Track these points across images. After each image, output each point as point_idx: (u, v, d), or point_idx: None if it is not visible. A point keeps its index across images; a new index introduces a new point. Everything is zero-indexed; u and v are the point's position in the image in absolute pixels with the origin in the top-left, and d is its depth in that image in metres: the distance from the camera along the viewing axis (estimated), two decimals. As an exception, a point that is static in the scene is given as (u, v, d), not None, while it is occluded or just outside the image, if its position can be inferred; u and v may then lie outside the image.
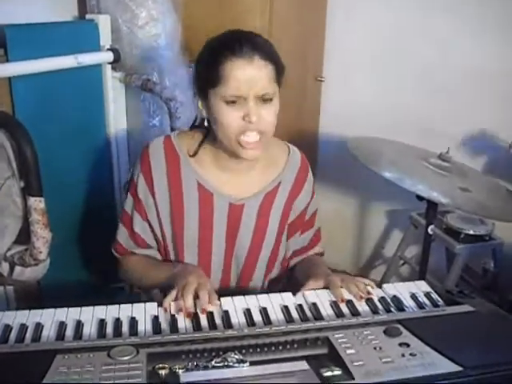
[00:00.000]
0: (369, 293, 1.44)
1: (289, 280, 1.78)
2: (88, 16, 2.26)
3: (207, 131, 1.58)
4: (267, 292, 1.58)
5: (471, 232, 2.64)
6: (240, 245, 1.63)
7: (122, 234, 1.67)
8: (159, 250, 1.67)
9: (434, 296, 1.46)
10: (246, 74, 1.39)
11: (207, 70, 1.43)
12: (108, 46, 2.24)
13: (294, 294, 1.44)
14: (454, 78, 2.91)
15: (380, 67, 3.13)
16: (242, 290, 1.63)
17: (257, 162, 1.59)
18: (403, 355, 1.14)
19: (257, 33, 1.49)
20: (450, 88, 2.93)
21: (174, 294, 1.37)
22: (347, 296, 1.43)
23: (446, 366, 1.11)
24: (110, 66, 2.28)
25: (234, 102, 1.41)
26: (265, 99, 1.42)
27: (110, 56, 2.23)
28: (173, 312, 1.32)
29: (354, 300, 1.42)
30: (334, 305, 1.40)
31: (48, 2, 2.22)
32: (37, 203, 1.70)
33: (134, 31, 2.26)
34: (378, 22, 3.07)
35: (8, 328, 1.25)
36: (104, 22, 2.22)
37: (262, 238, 1.65)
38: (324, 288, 1.48)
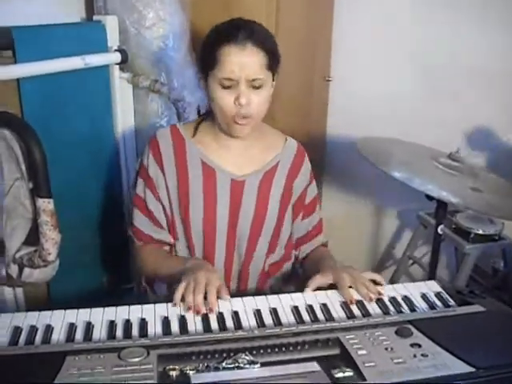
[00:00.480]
0: (379, 293, 1.44)
1: (303, 272, 1.82)
2: (95, 17, 2.25)
3: (207, 115, 1.72)
4: (267, 276, 1.74)
5: (481, 232, 2.63)
6: (242, 221, 1.70)
7: (137, 218, 1.72)
8: (170, 232, 1.72)
9: (445, 296, 1.45)
10: (238, 59, 1.50)
11: (207, 53, 1.56)
12: (115, 47, 2.24)
13: (302, 291, 1.46)
14: (461, 77, 2.90)
15: (388, 67, 3.11)
16: (244, 272, 1.72)
17: (255, 141, 1.71)
18: (415, 356, 1.13)
19: (259, 23, 1.60)
20: (458, 87, 2.92)
21: (181, 289, 1.37)
22: (357, 296, 1.43)
23: (458, 367, 1.10)
24: (117, 66, 2.27)
25: (228, 87, 1.53)
26: (255, 86, 1.53)
27: (117, 57, 2.23)
28: (183, 311, 1.33)
29: (365, 301, 1.42)
30: (345, 305, 1.39)
31: (55, 3, 2.22)
32: (45, 204, 1.70)
33: (142, 32, 2.25)
34: (386, 20, 3.06)
35: (18, 330, 1.25)
36: (111, 23, 2.22)
37: (264, 215, 1.71)
38: (332, 284, 1.48)
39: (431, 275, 2.28)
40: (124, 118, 2.35)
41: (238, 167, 1.70)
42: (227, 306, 1.36)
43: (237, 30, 1.51)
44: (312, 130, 3.18)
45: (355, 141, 2.30)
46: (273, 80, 1.60)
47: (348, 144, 2.82)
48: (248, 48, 1.50)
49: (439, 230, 2.14)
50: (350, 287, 1.46)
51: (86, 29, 2.24)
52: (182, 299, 1.36)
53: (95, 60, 2.13)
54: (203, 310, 1.32)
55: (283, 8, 2.58)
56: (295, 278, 1.84)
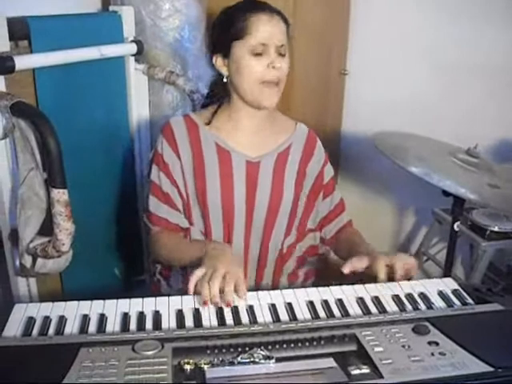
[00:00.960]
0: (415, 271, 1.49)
1: (335, 253, 1.86)
2: (111, 8, 2.24)
3: (220, 102, 1.75)
4: (284, 258, 1.76)
5: (497, 229, 2.61)
6: (259, 201, 1.71)
7: (152, 203, 1.72)
8: (185, 217, 1.72)
9: (462, 294, 1.43)
10: (269, 27, 1.59)
11: (233, 24, 1.61)
12: (131, 38, 2.23)
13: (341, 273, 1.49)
14: (478, 73, 2.87)
15: (405, 61, 3.09)
16: (262, 254, 1.73)
17: (267, 123, 1.74)
18: (432, 354, 1.11)
19: None
20: (474, 83, 2.89)
21: (197, 276, 1.37)
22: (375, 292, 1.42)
23: (477, 366, 1.08)
24: (133, 58, 2.26)
25: (259, 54, 1.59)
26: (281, 52, 1.61)
27: (133, 48, 2.22)
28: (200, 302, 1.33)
29: (382, 297, 1.40)
30: (361, 301, 1.37)
31: (72, -7, 2.22)
32: (60, 195, 1.69)
33: (158, 23, 2.24)
34: (403, 15, 3.03)
35: (31, 320, 1.24)
36: (127, 14, 2.21)
37: (280, 196, 1.73)
38: (367, 267, 1.50)
39: (447, 272, 2.25)
40: (139, 110, 2.34)
41: (251, 149, 1.71)
42: (242, 299, 1.35)
43: (260, 3, 1.63)
44: (328, 123, 3.16)
45: (370, 135, 2.28)
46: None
47: (363, 139, 2.81)
48: (275, 17, 1.60)
49: (456, 227, 2.12)
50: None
51: (102, 19, 2.24)
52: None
53: (111, 51, 2.12)
54: (218, 303, 1.31)
55: (300, 1, 2.56)
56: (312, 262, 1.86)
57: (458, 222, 2.13)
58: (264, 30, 1.58)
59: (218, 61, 1.67)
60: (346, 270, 1.49)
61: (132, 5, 2.23)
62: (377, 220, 3.35)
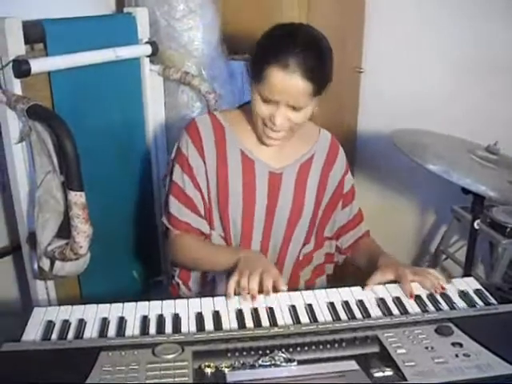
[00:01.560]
0: (443, 288, 1.43)
1: (353, 263, 1.83)
2: (126, 9, 2.24)
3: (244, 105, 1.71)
4: (301, 266, 1.74)
5: (517, 226, 2.57)
6: (280, 212, 1.68)
7: (174, 205, 1.68)
8: (207, 222, 1.69)
9: (485, 293, 1.41)
10: (282, 85, 1.45)
11: (254, 65, 1.52)
12: (146, 39, 2.22)
13: (363, 288, 1.44)
14: (495, 70, 2.84)
15: (421, 58, 3.06)
16: (279, 263, 1.70)
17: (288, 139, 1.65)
18: (457, 356, 1.10)
19: (316, 36, 1.51)
20: (492, 80, 2.86)
21: (236, 278, 1.37)
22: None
23: (503, 368, 1.07)
24: (148, 59, 2.26)
25: (267, 101, 1.50)
26: (295, 107, 1.50)
27: (148, 49, 2.21)
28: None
29: (403, 297, 1.39)
30: (382, 302, 1.36)
31: (86, -5, 2.22)
32: (77, 197, 1.69)
33: (172, 24, 2.24)
34: (418, 11, 3.01)
35: (51, 324, 1.24)
36: (142, 15, 2.20)
37: (301, 207, 1.70)
38: (393, 281, 1.46)
39: (467, 271, 2.23)
40: (154, 111, 2.33)
41: (275, 159, 1.67)
42: (261, 301, 1.34)
43: (289, 55, 1.43)
44: (344, 121, 3.14)
45: (387, 133, 2.26)
46: (317, 98, 1.54)
47: (379, 136, 2.78)
48: (295, 77, 1.44)
49: (476, 225, 2.09)
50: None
51: (116, 21, 2.24)
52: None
53: (126, 52, 2.12)
54: (257, 296, 1.32)
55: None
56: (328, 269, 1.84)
57: (478, 220, 2.10)
58: (275, 86, 1.46)
59: (250, 82, 1.59)
60: (369, 286, 1.44)
61: (146, 6, 2.22)
62: (395, 218, 3.33)
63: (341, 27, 2.90)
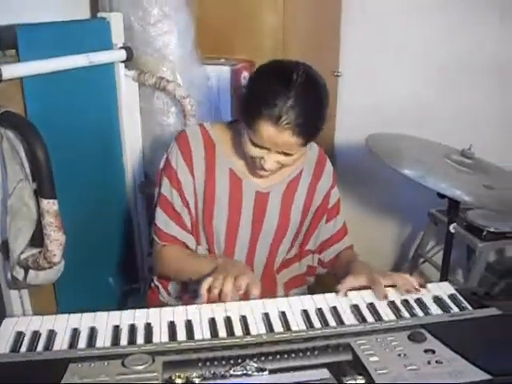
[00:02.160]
0: (417, 289, 1.42)
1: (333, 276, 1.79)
2: (100, 14, 2.22)
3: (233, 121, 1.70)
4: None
5: (493, 229, 2.59)
6: (265, 231, 1.68)
7: (161, 218, 1.67)
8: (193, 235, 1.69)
9: (459, 298, 1.41)
10: (273, 139, 1.43)
11: (245, 107, 1.48)
12: (120, 45, 2.20)
13: (336, 293, 1.42)
14: (471, 73, 2.86)
15: (399, 62, 3.06)
16: (262, 278, 1.68)
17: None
18: (429, 362, 1.10)
19: (313, 85, 1.44)
20: (469, 83, 2.87)
21: (210, 279, 1.35)
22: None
23: (475, 375, 1.06)
24: (122, 64, 2.24)
25: (257, 146, 1.48)
26: (286, 153, 1.49)
27: (122, 54, 2.20)
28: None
29: (377, 303, 1.38)
30: (355, 309, 1.35)
31: (59, 0, 2.19)
32: (50, 205, 1.67)
33: (147, 29, 2.22)
34: (396, 14, 3.01)
35: (20, 335, 1.22)
36: (116, 20, 2.18)
37: (287, 225, 1.70)
38: (366, 286, 1.45)
39: (444, 275, 2.24)
40: (130, 116, 2.32)
41: (263, 179, 1.64)
42: (235, 309, 1.32)
43: (282, 109, 1.38)
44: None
45: (365, 138, 2.25)
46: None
47: (357, 141, 2.77)
48: (286, 134, 1.41)
49: (451, 229, 2.10)
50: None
51: (90, 26, 2.21)
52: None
53: (100, 58, 2.10)
54: (229, 298, 1.31)
55: (290, 1, 2.54)
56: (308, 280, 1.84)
57: (454, 224, 2.11)
58: (267, 140, 1.44)
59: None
60: (342, 291, 1.42)
61: (121, 11, 2.20)
62: (374, 224, 3.33)
63: (317, 30, 2.90)
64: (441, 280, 2.27)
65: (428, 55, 2.97)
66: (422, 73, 3.01)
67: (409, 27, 3.00)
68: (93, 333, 1.23)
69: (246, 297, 1.36)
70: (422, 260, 3.03)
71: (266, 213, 1.68)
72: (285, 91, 1.38)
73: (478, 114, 2.89)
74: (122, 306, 2.32)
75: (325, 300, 1.40)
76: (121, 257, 2.37)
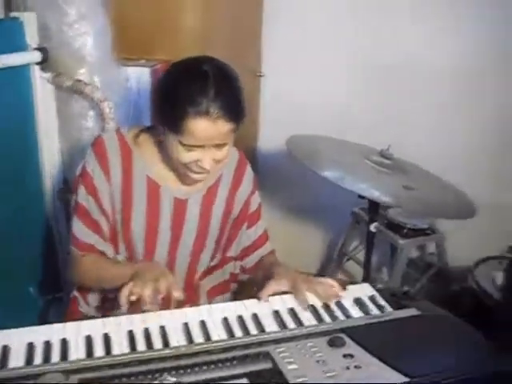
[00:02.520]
0: (338, 296, 1.44)
1: (253, 282, 1.78)
2: (13, 14, 2.13)
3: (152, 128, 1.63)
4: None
5: (413, 226, 2.65)
6: (185, 238, 1.66)
7: (78, 227, 1.62)
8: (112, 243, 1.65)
9: (379, 300, 1.43)
10: (208, 132, 1.41)
11: (168, 115, 1.45)
12: (35, 46, 2.12)
13: (258, 299, 1.42)
14: (394, 73, 2.90)
15: (321, 61, 3.06)
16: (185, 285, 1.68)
17: None
18: (348, 368, 1.11)
19: (225, 71, 1.46)
20: (390, 83, 2.92)
21: (129, 286, 1.33)
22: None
23: (393, 378, 1.08)
24: (38, 66, 2.16)
25: (191, 150, 1.45)
26: (220, 145, 1.47)
27: (37, 56, 2.12)
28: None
29: (298, 309, 1.38)
30: (276, 315, 1.35)
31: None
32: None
33: (63, 29, 2.15)
34: (319, 14, 3.00)
35: None
36: (30, 20, 2.10)
37: (207, 231, 1.68)
38: (288, 291, 1.45)
39: (366, 273, 2.27)
40: (46, 120, 2.24)
41: (181, 185, 1.63)
42: (154, 320, 1.30)
43: (207, 100, 1.38)
44: (244, 127, 3.11)
45: (285, 140, 2.25)
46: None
47: (280, 143, 2.77)
48: (219, 122, 1.40)
49: (372, 229, 2.14)
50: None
51: (2, 26, 2.12)
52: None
53: (13, 60, 2.02)
54: (148, 303, 1.30)
55: (210, 2, 2.53)
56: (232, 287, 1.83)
57: (375, 223, 2.14)
58: (203, 135, 1.41)
59: (159, 128, 1.51)
60: (264, 297, 1.43)
61: (36, 11, 2.12)
62: (299, 226, 3.33)
63: (238, 30, 2.87)
64: (364, 278, 2.31)
65: (349, 56, 2.99)
66: (344, 73, 3.02)
67: (331, 28, 2.99)
68: (5, 352, 1.18)
69: (167, 301, 1.35)
70: (346, 258, 3.07)
71: (184, 220, 1.65)
72: (204, 84, 1.40)
73: (399, 114, 2.94)
74: (44, 316, 2.26)
75: (245, 307, 1.39)
76: (42, 266, 2.30)
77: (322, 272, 3.33)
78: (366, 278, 2.28)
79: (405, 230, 2.63)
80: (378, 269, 3.12)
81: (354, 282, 1.54)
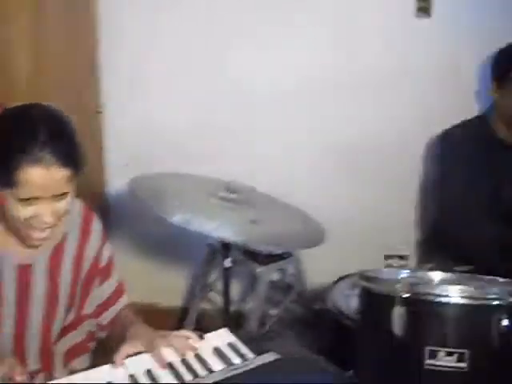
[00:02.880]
0: (195, 348, 1.41)
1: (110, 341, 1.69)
2: None
3: None
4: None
5: (270, 252, 2.66)
6: (35, 306, 1.55)
7: None
8: None
9: (240, 347, 1.40)
10: (43, 181, 1.33)
11: (1, 169, 1.34)
12: None
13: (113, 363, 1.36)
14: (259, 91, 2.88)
15: (161, 90, 2.96)
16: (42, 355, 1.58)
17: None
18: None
19: (54, 115, 1.40)
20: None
21: None
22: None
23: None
24: None
25: (27, 202, 1.35)
26: (58, 197, 1.38)
27: None
28: None
29: (155, 369, 1.33)
30: (132, 380, 1.29)
31: None
32: None
33: None
34: (160, 38, 2.91)
35: None
36: None
37: (57, 297, 1.58)
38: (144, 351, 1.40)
39: (226, 305, 2.24)
40: None
41: (23, 249, 1.51)
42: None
43: (39, 147, 1.31)
44: (88, 175, 2.93)
45: (130, 180, 2.15)
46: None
47: (127, 183, 2.65)
48: (53, 169, 1.32)
49: (226, 264, 2.11)
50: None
51: None
52: None
53: None
54: None
55: (42, 44, 2.47)
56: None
57: (229, 259, 2.12)
58: (37, 185, 1.33)
59: None
60: (118, 361, 1.37)
61: None
62: (160, 264, 3.17)
63: (73, 68, 2.78)
64: (225, 310, 2.27)
65: (200, 84, 2.92)
66: (190, 107, 2.94)
67: (174, 54, 2.91)
68: None
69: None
70: (209, 289, 3.00)
71: (30, 287, 1.54)
72: (32, 130, 1.34)
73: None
74: None
75: (101, 374, 1.32)
76: None
77: (187, 304, 3.25)
78: (226, 310, 2.24)
79: (261, 258, 2.63)
80: (244, 298, 3.09)
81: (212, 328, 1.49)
